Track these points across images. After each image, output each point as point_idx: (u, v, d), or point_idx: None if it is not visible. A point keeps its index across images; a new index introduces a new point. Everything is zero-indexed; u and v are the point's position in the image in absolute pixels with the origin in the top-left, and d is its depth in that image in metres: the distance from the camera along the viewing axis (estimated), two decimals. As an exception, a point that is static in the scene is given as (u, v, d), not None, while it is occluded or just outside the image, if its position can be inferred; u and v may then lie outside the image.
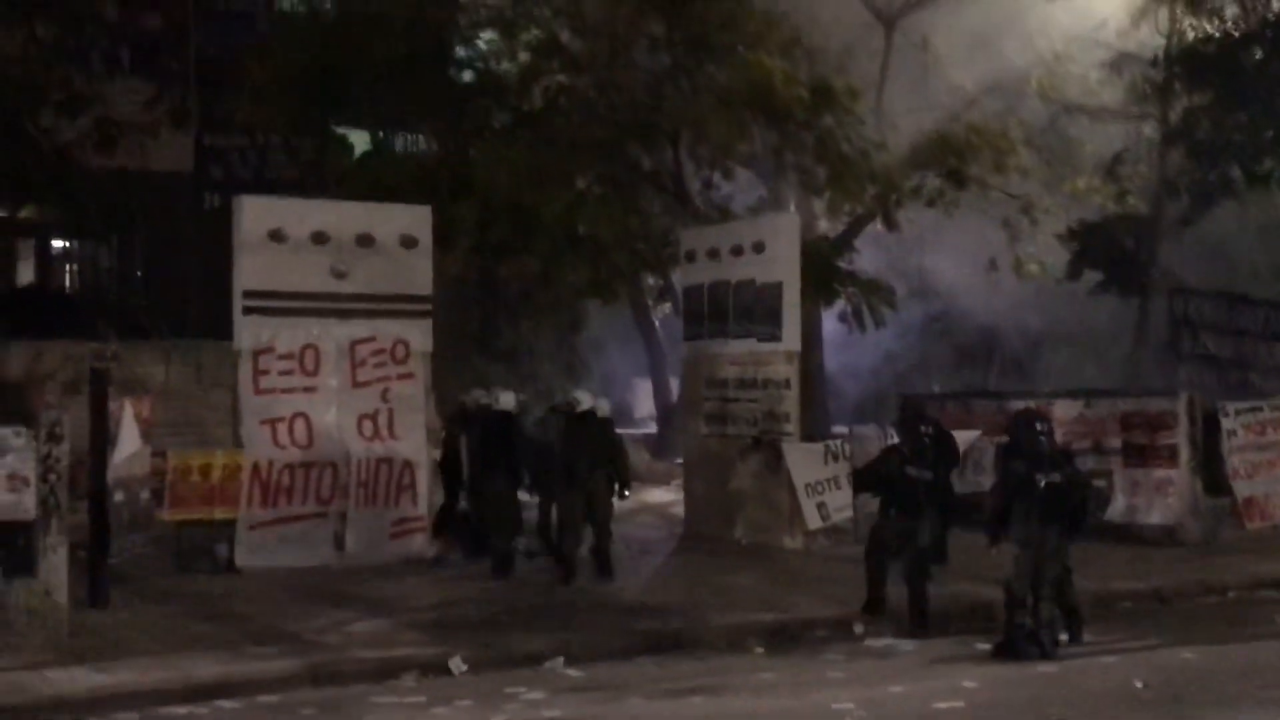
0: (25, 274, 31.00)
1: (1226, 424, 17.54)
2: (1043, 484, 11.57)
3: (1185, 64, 22.80)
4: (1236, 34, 21.93)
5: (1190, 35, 23.40)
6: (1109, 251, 26.28)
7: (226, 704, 10.44)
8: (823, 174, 20.99)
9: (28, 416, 12.51)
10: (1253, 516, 17.36)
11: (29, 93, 17.67)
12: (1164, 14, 24.67)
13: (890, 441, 16.35)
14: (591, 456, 15.02)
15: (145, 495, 15.50)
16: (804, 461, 17.06)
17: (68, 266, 32.53)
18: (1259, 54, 21.87)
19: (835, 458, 17.21)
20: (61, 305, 26.99)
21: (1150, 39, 25.31)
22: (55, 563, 12.14)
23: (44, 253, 31.21)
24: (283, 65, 21.35)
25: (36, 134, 18.68)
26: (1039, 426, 11.95)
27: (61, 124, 19.84)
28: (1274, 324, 22.38)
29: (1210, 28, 22.45)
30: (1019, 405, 16.34)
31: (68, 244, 31.49)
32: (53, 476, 12.12)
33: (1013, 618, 11.70)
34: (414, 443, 16.44)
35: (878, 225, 22.68)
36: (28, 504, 11.94)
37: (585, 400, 15.64)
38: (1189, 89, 23.39)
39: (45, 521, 12.07)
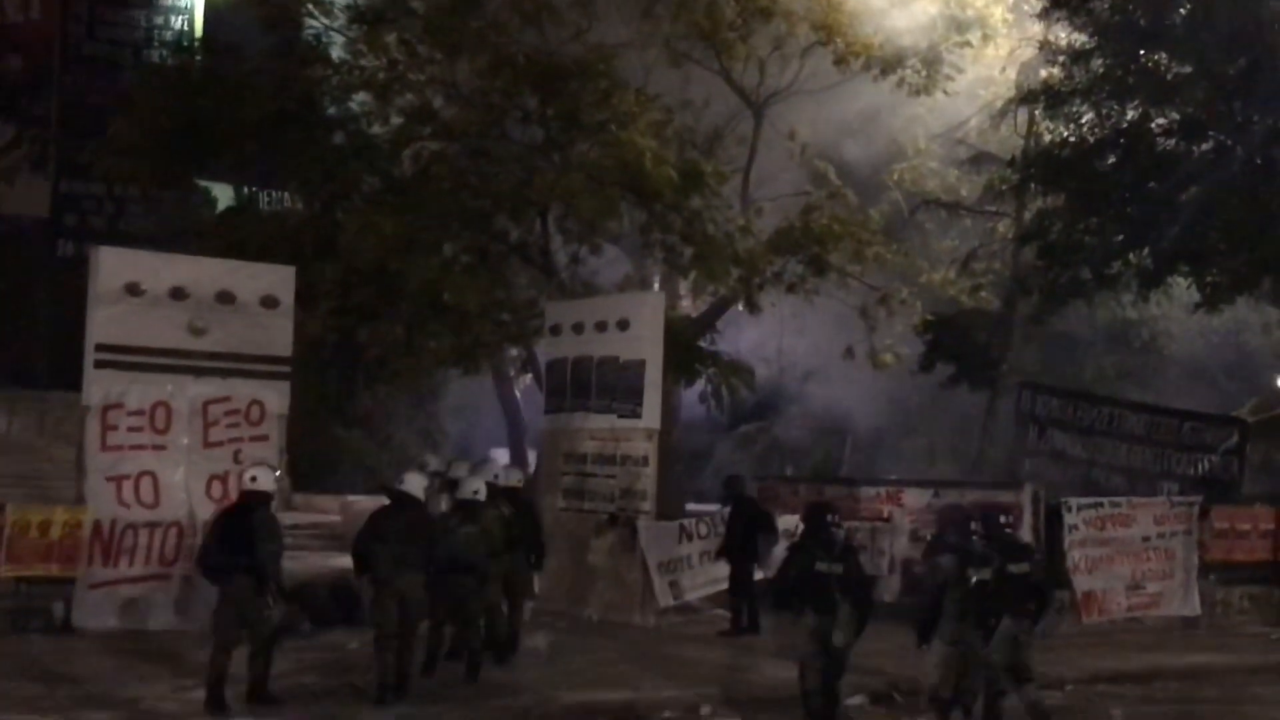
0: None
1: (1069, 519, 17.94)
2: (974, 580, 11.27)
3: (1041, 166, 23.51)
4: (1091, 140, 22.69)
5: (1047, 138, 24.20)
6: (962, 345, 26.87)
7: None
8: (688, 254, 21.25)
9: None
10: (1090, 611, 17.74)
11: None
12: (1023, 116, 25.50)
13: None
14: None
15: (-21, 549, 14.96)
16: (658, 539, 17.11)
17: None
18: (1112, 160, 22.65)
19: (690, 536, 17.31)
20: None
21: (1010, 139, 26.13)
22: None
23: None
24: (148, 118, 21.03)
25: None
26: (973, 524, 11.68)
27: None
28: (1118, 423, 23.07)
29: (1066, 132, 23.22)
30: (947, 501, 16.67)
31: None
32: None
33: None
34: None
35: (740, 307, 22.98)
36: None
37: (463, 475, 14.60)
38: (1044, 190, 24.11)
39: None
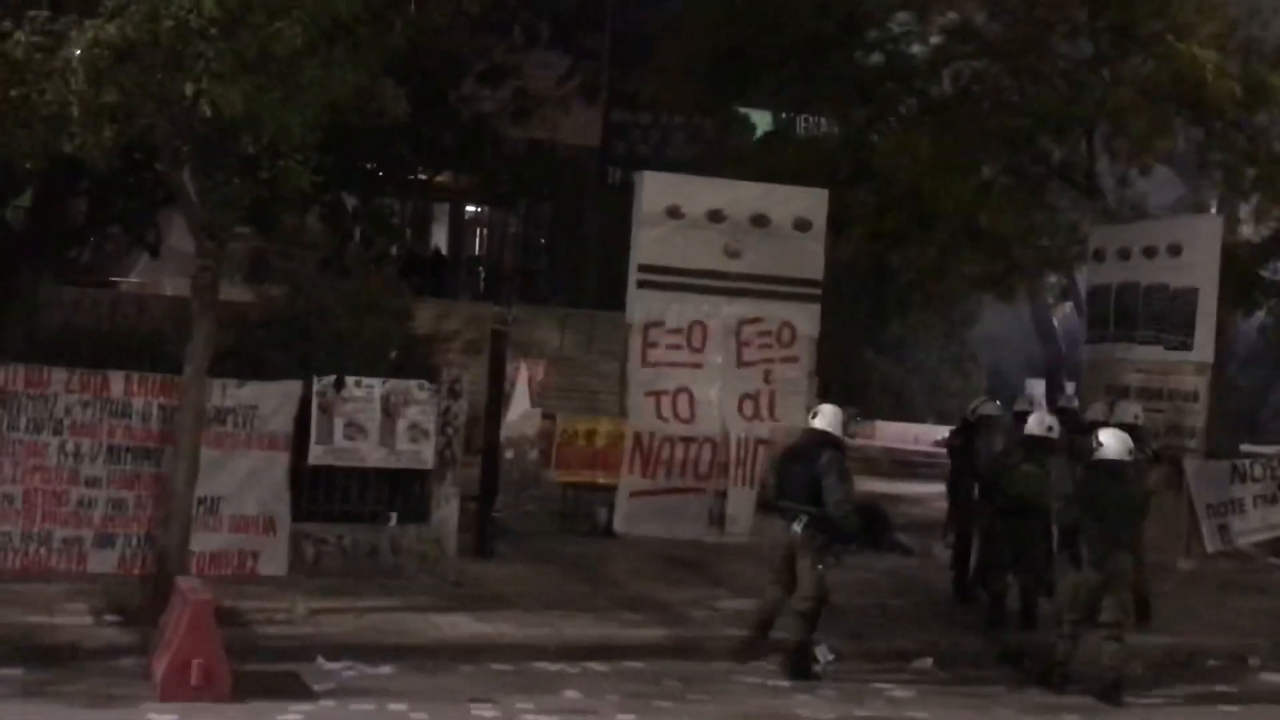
0: (438, 236, 32.76)
1: None
2: None
3: None
4: None
5: None
6: None
7: (596, 666, 10.63)
8: (1251, 175, 19.61)
9: (431, 372, 13.09)
10: None
11: (452, 63, 18.47)
12: None
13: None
14: None
15: (533, 455, 15.98)
16: (1208, 480, 16.04)
17: (478, 231, 34.17)
18: None
19: (1243, 478, 16.11)
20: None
21: None
22: (447, 512, 12.73)
23: (457, 217, 32.88)
24: (692, 44, 21.55)
25: (456, 102, 19.52)
26: None
27: (480, 94, 20.68)
28: None
29: None
30: None
31: (479, 210, 33.06)
32: (450, 430, 12.69)
33: None
34: (793, 426, 16.31)
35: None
36: (426, 454, 12.53)
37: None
38: None
39: (441, 472, 12.65)
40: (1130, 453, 11.01)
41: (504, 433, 14.75)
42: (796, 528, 10.75)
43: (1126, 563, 10.87)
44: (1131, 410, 14.21)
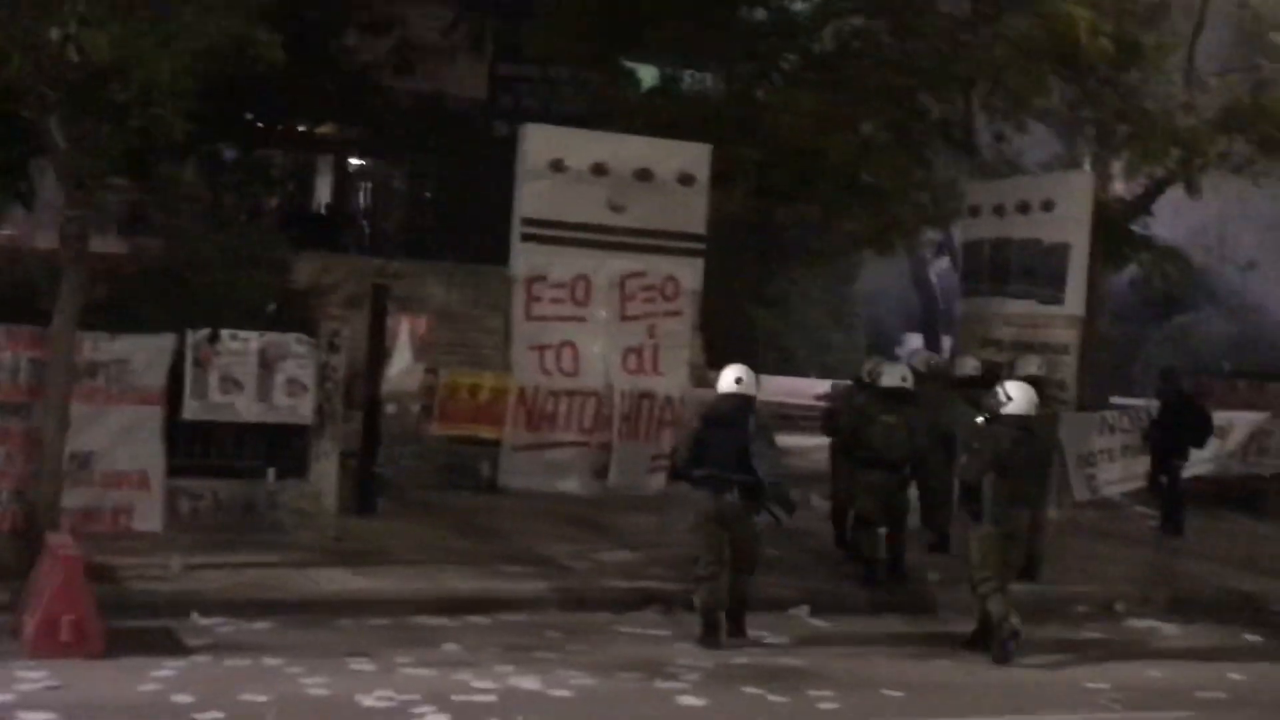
0: (322, 189, 32.33)
1: None
2: None
3: None
4: None
5: None
6: None
7: (477, 619, 10.67)
8: (1123, 132, 20.03)
9: (310, 326, 12.97)
10: None
11: (333, 12, 18.24)
12: None
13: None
14: None
15: (416, 410, 15.92)
16: (1077, 431, 16.39)
17: (362, 184, 33.77)
18: None
19: (1111, 429, 16.50)
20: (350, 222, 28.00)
21: None
22: (326, 468, 12.66)
23: (341, 170, 32.47)
24: (578, -1, 21.48)
25: (337, 52, 19.28)
26: None
27: (362, 44, 20.45)
28: None
29: None
30: None
31: (364, 163, 32.66)
32: (329, 385, 12.61)
33: None
34: (677, 380, 16.41)
35: (1179, 190, 21.54)
36: (304, 409, 12.44)
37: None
38: None
39: (320, 427, 12.57)
40: (1036, 406, 10.87)
41: (385, 387, 14.67)
42: (730, 497, 10.43)
43: (1025, 519, 10.73)
44: (1034, 362, 14.45)
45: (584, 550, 12.90)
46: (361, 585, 11.03)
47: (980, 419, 11.06)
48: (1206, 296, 29.26)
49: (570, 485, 15.71)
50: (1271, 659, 11.11)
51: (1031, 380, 12.08)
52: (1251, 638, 11.65)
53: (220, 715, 8.00)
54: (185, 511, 12.12)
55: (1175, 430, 16.10)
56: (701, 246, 16.53)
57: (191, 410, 12.06)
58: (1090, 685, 9.81)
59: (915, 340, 27.53)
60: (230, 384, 12.15)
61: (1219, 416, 16.96)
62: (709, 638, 10.35)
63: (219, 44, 10.41)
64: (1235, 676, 10.34)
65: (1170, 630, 11.92)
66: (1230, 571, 14.17)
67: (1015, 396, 10.72)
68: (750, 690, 9.20)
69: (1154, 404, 16.76)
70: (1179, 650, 11.24)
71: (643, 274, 16.29)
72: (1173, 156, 19.91)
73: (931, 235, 26.33)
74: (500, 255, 16.91)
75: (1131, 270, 21.15)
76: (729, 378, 10.78)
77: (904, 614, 11.73)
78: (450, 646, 9.87)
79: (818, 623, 11.22)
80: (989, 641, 10.48)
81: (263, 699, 8.31)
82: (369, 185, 33.55)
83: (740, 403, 10.67)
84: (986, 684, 9.80)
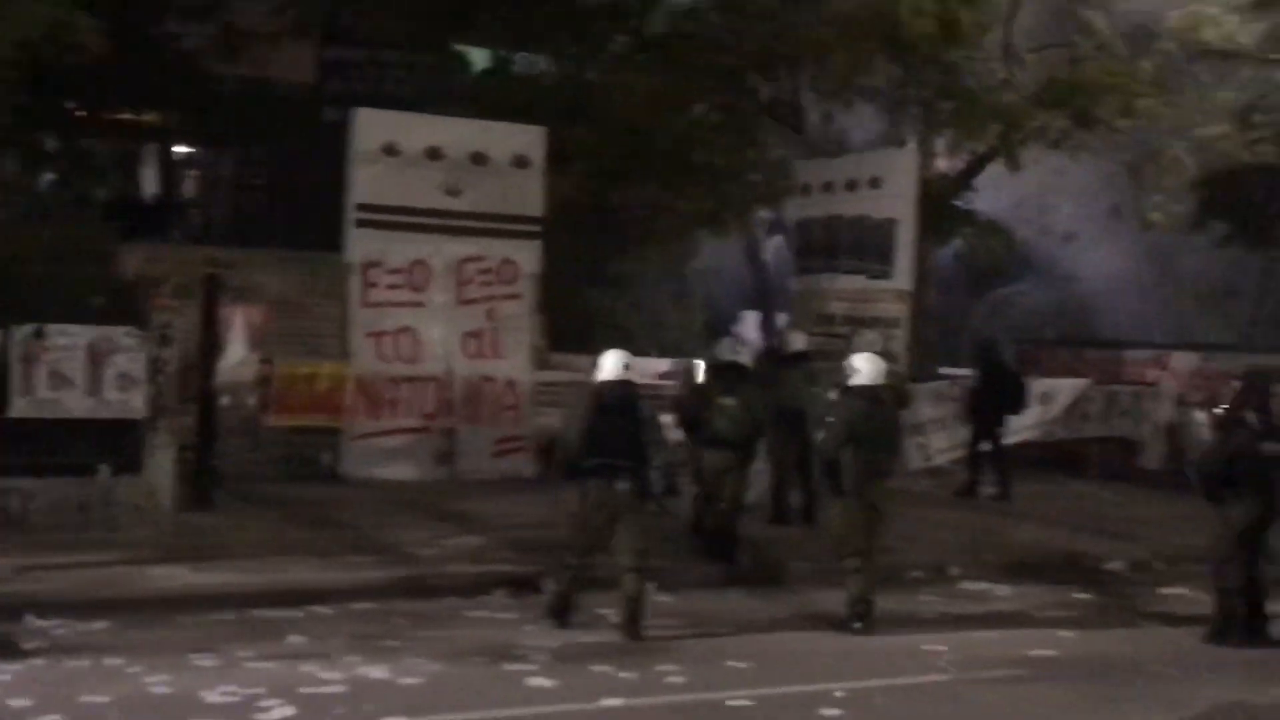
0: (148, 178, 31.50)
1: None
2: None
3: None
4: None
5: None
6: (1238, 202, 25.44)
7: (321, 609, 10.57)
8: (946, 109, 20.55)
9: (140, 319, 12.71)
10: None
11: (156, -3, 17.86)
12: (1314, -48, 23.65)
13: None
14: None
15: (252, 401, 15.71)
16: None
17: (189, 173, 32.98)
18: None
19: (939, 399, 17.00)
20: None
21: (1296, -19, 24.30)
22: (161, 462, 12.44)
23: (167, 158, 31.65)
24: (406, -20, 21.31)
25: (160, 38, 18.83)
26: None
27: (186, 30, 19.99)
28: None
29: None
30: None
31: (190, 150, 31.90)
32: (161, 378, 12.38)
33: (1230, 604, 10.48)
34: (517, 363, 16.50)
35: (1000, 165, 22.16)
36: (136, 403, 12.21)
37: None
38: (1334, 35, 22.52)
39: (153, 421, 12.33)
40: (884, 377, 10.93)
41: (220, 379, 14.42)
42: (622, 487, 10.12)
43: (883, 490, 10.75)
44: (869, 337, 14.74)
45: (429, 536, 12.84)
46: (202, 580, 10.85)
47: (832, 393, 11.13)
48: (1028, 268, 30.12)
49: (414, 471, 15.71)
50: (1099, 616, 11.55)
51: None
52: (1080, 596, 12.10)
53: (59, 717, 7.84)
54: (15, 511, 11.80)
55: (993, 398, 16.60)
56: (539, 229, 16.63)
57: (19, 408, 11.77)
58: (928, 648, 10.09)
59: (751, 318, 27.89)
60: (59, 380, 11.88)
61: (1043, 384, 17.57)
62: (557, 617, 10.30)
63: (36, 32, 10.13)
64: (1065, 634, 10.73)
65: (1002, 591, 12.31)
66: (1058, 532, 14.68)
67: (862, 368, 10.78)
68: (599, 668, 9.29)
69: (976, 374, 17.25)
70: (1011, 611, 11.61)
71: (481, 258, 16.34)
72: (993, 132, 20.51)
73: (764, 214, 26.69)
74: (335, 242, 16.78)
75: (956, 244, 21.69)
76: (615, 364, 10.40)
77: (751, 588, 11.92)
78: (295, 638, 9.78)
79: (665, 598, 11.35)
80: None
81: (104, 699, 8.16)
82: (197, 173, 32.77)
83: (630, 389, 10.40)
84: (829, 652, 10.03)
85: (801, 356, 14.60)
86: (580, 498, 10.23)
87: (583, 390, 11.06)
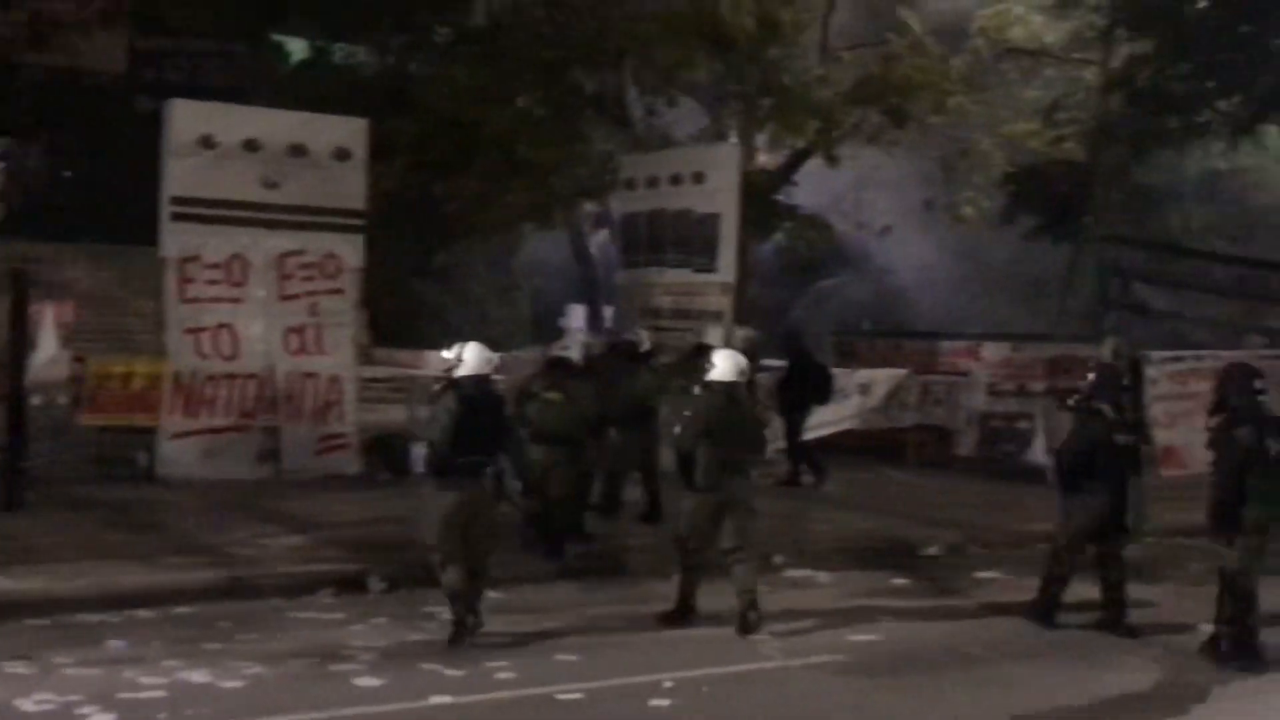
0: (-51, 170, 30.27)
1: (1150, 372, 17.72)
2: (1274, 452, 9.67)
3: (1129, 11, 22.84)
4: (1182, -16, 22.00)
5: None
6: (1044, 197, 26.35)
7: (142, 613, 10.35)
8: (765, 106, 20.90)
9: (-56, 316, 12.25)
10: (1170, 465, 17.57)
11: (-44, -16, 17.17)
12: (1111, -40, 24.65)
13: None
14: None
15: (64, 401, 15.23)
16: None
17: (-6, 164, 31.78)
18: (1203, 3, 21.95)
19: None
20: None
21: (1096, -16, 25.29)
22: (-32, 465, 11.98)
23: (-31, 149, 30.47)
24: (218, -33, 20.88)
25: (-37, 27, 18.17)
26: (1256, 384, 9.92)
27: (-9, 18, 19.33)
28: (1205, 276, 22.63)
29: (1156, -24, 22.50)
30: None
31: (-5, 142, 30.76)
32: (-32, 378, 11.92)
33: (1246, 618, 9.96)
34: (341, 358, 16.29)
35: (819, 160, 22.60)
36: (-59, 405, 11.75)
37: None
38: (1132, 36, 23.46)
39: (-40, 423, 11.89)
40: (742, 373, 10.81)
41: (30, 378, 13.96)
42: (483, 486, 9.94)
43: (745, 488, 10.65)
44: (740, 334, 14.80)
45: (251, 536, 12.62)
46: (14, 586, 10.51)
47: (695, 388, 11.05)
48: (846, 261, 30.74)
49: (234, 470, 15.41)
50: (919, 600, 11.87)
51: (699, 349, 12.45)
52: (900, 581, 12.41)
53: None
54: None
55: (799, 388, 16.91)
56: (361, 222, 16.44)
57: None
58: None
59: (578, 311, 27.94)
60: None
61: (861, 374, 17.96)
62: (458, 636, 9.83)
63: None
64: (886, 620, 11.00)
65: (825, 578, 12.56)
66: (878, 519, 15.03)
67: (719, 364, 10.69)
68: (427, 666, 9.25)
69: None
70: (834, 598, 11.87)
71: (302, 252, 16.09)
72: (811, 128, 20.94)
73: (590, 208, 26.79)
74: (150, 236, 16.35)
75: (777, 238, 22.05)
76: (480, 358, 10.07)
77: (581, 581, 11.97)
78: (114, 643, 9.54)
79: (496, 594, 11.33)
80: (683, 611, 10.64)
81: (-89, 713, 7.88)
82: (2, 165, 31.61)
83: (493, 386, 10.27)
84: (657, 643, 10.13)
85: (649, 354, 14.73)
86: (448, 497, 9.90)
87: (426, 385, 10.94)
